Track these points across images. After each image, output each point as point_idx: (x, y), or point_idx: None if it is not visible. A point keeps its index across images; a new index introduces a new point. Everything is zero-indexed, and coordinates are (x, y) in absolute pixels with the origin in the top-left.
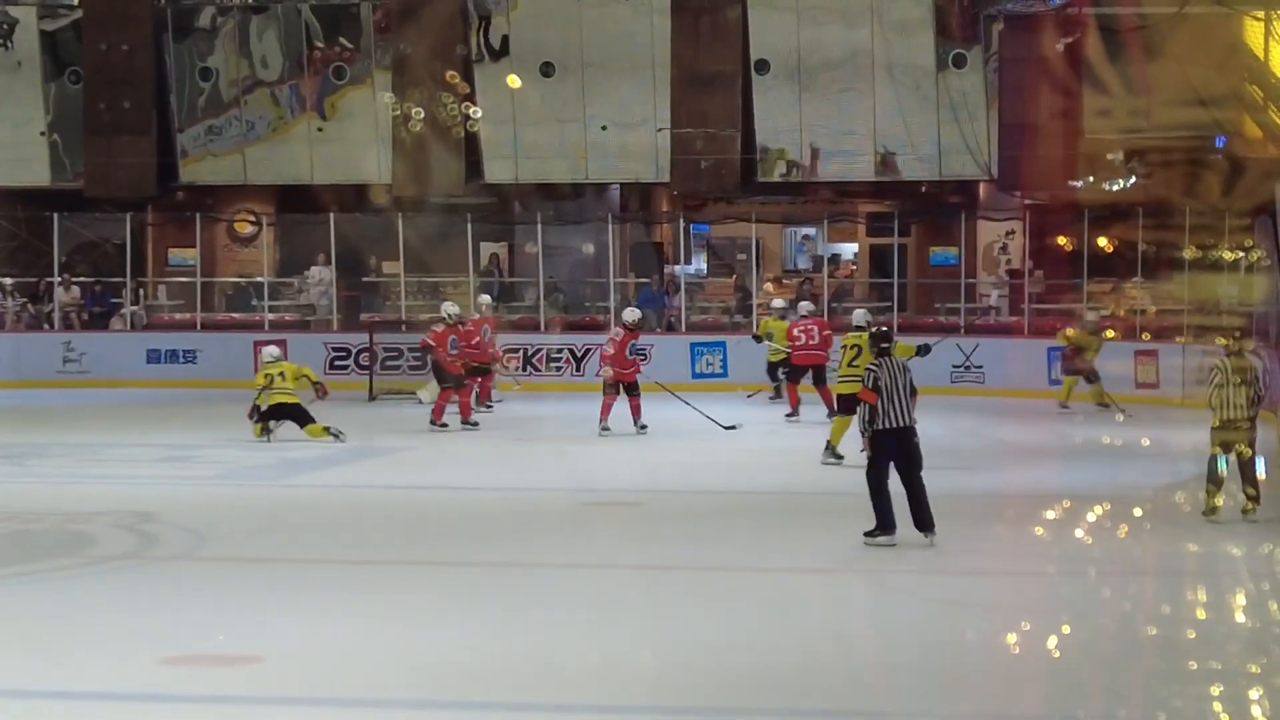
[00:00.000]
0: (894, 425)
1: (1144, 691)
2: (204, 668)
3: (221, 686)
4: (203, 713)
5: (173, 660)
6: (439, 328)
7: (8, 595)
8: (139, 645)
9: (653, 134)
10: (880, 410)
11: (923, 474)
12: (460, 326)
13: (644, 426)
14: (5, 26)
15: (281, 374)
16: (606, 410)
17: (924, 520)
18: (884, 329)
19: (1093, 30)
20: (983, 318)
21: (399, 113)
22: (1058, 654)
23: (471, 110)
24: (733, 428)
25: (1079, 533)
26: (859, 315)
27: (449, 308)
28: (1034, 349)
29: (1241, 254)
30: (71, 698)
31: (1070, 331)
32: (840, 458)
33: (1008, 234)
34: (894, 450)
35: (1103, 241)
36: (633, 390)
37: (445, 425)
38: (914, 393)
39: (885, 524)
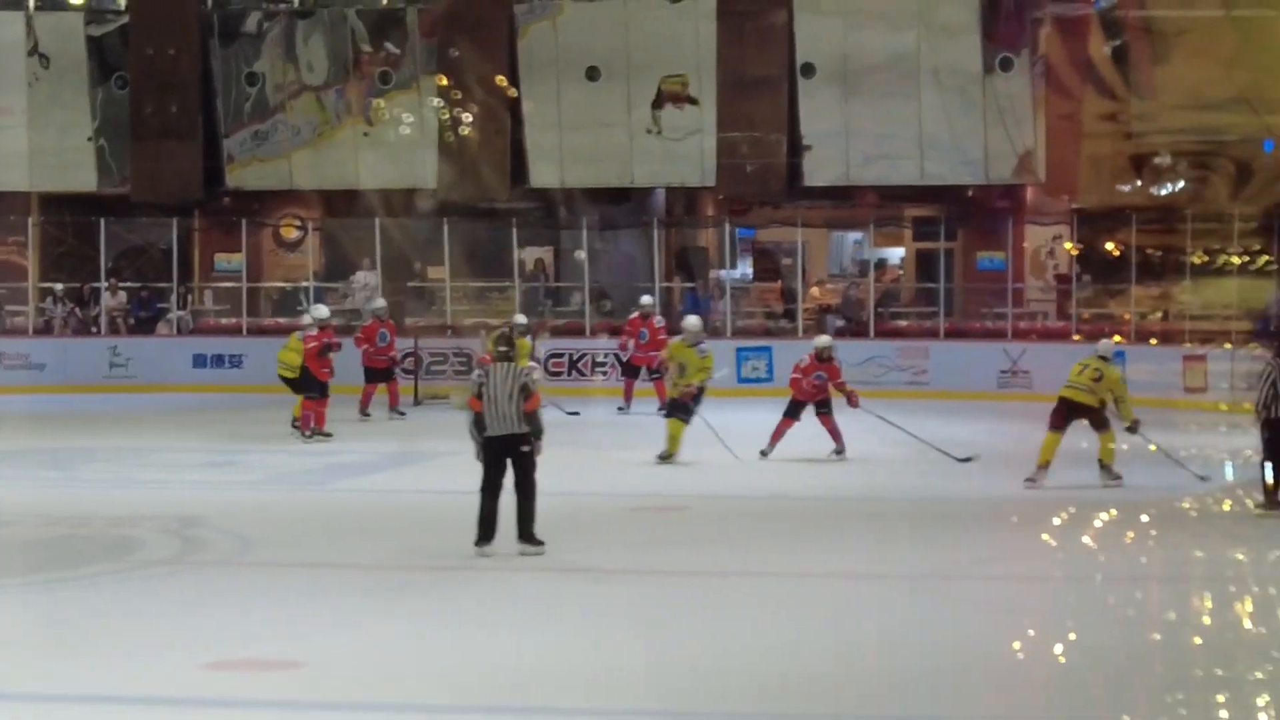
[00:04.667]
0: (499, 432)
1: (1149, 699)
2: (246, 673)
3: (264, 692)
4: (245, 718)
5: (215, 665)
6: (312, 332)
7: (53, 599)
8: (182, 650)
9: (699, 138)
10: (487, 417)
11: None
12: (331, 330)
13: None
14: (40, 53)
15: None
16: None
17: (523, 532)
18: (505, 331)
19: (1139, 32)
20: (1030, 322)
21: (448, 117)
22: (1063, 660)
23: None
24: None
25: (1107, 538)
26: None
27: (317, 311)
28: (1081, 353)
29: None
30: (115, 702)
31: None
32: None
33: (1055, 239)
34: (501, 457)
35: (1109, 245)
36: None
37: (329, 435)
38: (528, 397)
39: (480, 532)
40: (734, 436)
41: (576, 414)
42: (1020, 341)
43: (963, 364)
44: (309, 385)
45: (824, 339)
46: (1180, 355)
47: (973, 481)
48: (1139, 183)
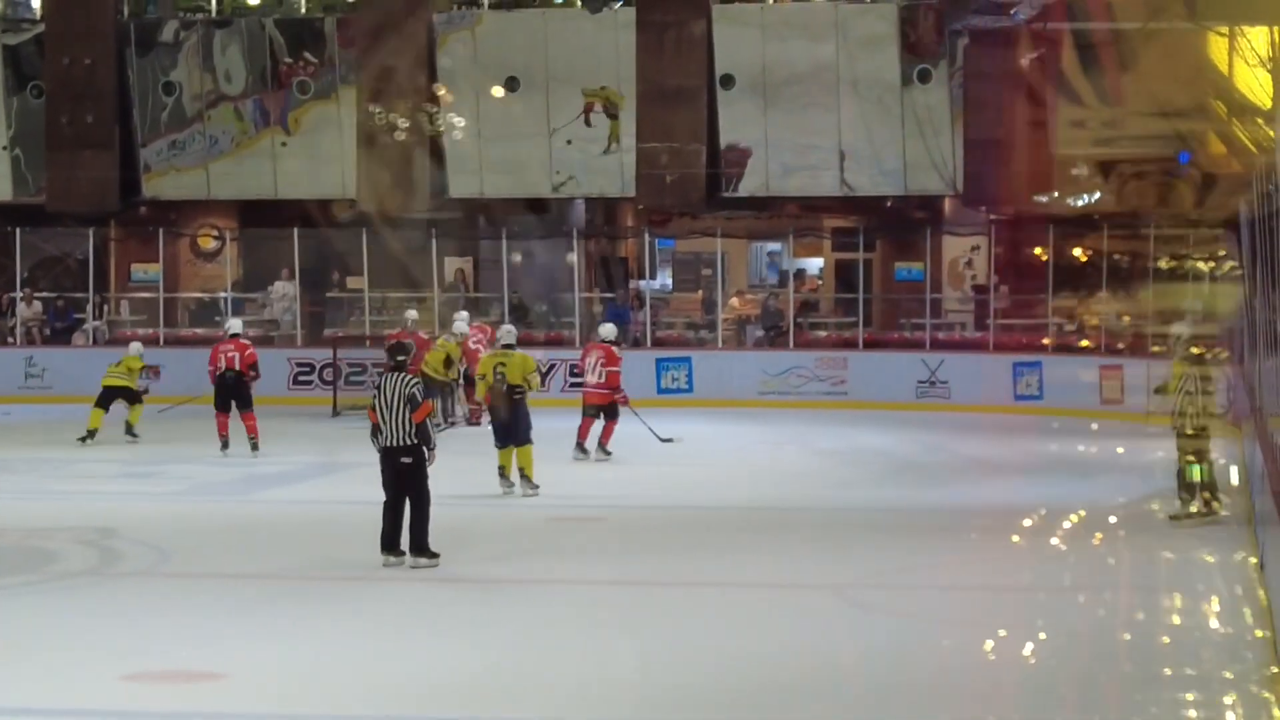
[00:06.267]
0: (389, 444)
1: (1119, 698)
2: (166, 685)
3: (183, 703)
4: None
5: (135, 677)
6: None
7: None
8: (100, 662)
9: (619, 149)
10: (380, 429)
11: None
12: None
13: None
14: None
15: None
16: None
17: (414, 544)
18: (399, 342)
19: (1058, 45)
20: (948, 333)
21: (385, 122)
22: (1033, 661)
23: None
24: (670, 440)
25: (1046, 545)
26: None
27: (237, 325)
28: (1000, 364)
29: (1213, 264)
30: (31, 714)
31: None
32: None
33: (973, 249)
34: (389, 468)
35: (1077, 251)
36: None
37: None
38: (414, 407)
39: (381, 543)
40: (648, 447)
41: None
42: (938, 352)
43: (881, 374)
44: (247, 399)
45: (611, 327)
46: (1097, 365)
47: (900, 491)
48: (1056, 194)
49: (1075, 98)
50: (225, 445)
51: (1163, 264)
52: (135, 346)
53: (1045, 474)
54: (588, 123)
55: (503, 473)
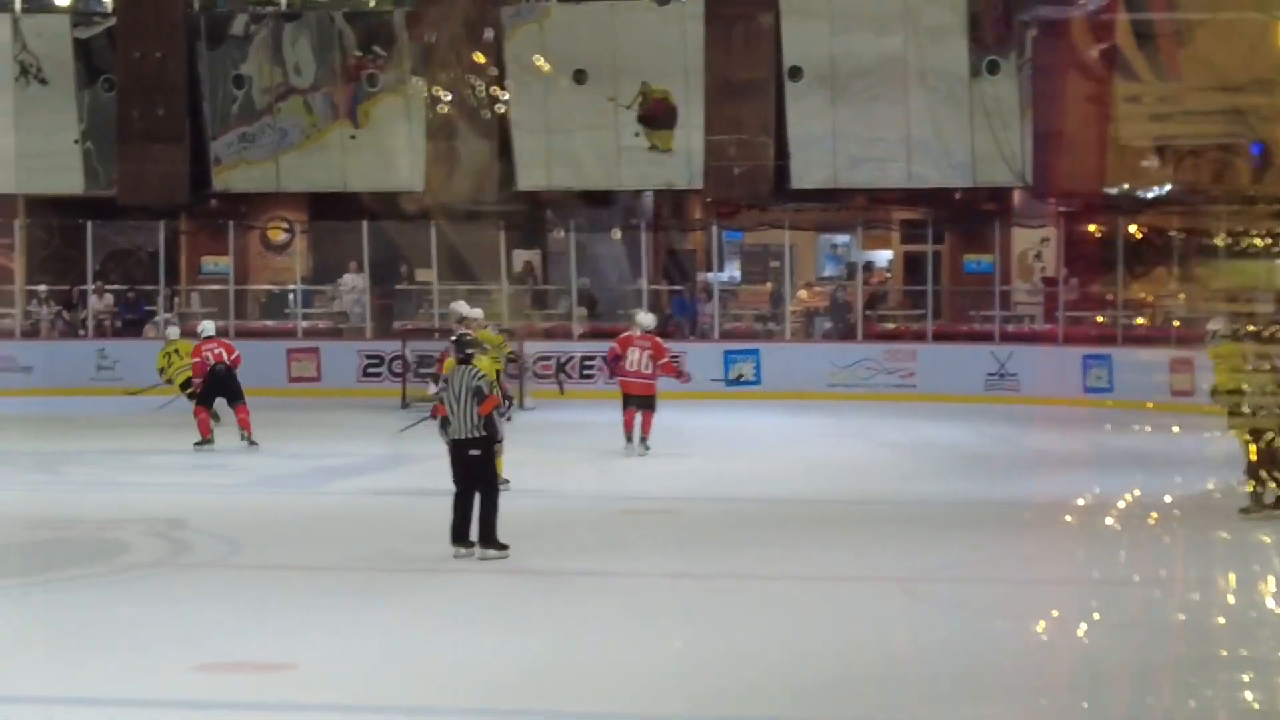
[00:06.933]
0: (456, 436)
1: (1173, 680)
2: (237, 675)
3: (254, 694)
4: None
5: (205, 667)
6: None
7: (40, 602)
8: (171, 652)
9: (687, 141)
10: (451, 422)
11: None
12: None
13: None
14: (34, 66)
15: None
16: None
17: (483, 535)
18: (466, 336)
19: (1128, 35)
20: (1017, 325)
21: (435, 119)
22: (1090, 647)
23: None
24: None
25: (1113, 537)
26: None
27: (210, 327)
28: (1068, 356)
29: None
30: (103, 704)
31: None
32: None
33: (1042, 241)
34: (458, 461)
35: (1136, 231)
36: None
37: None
38: (481, 400)
39: (451, 534)
40: (718, 440)
41: None
42: (1007, 344)
43: (950, 366)
44: (238, 392)
45: (651, 316)
46: (1168, 357)
47: (966, 484)
48: (1126, 185)
49: (1142, 88)
50: (209, 442)
51: (1258, 241)
52: (173, 331)
53: (1114, 466)
54: (640, 119)
55: None
